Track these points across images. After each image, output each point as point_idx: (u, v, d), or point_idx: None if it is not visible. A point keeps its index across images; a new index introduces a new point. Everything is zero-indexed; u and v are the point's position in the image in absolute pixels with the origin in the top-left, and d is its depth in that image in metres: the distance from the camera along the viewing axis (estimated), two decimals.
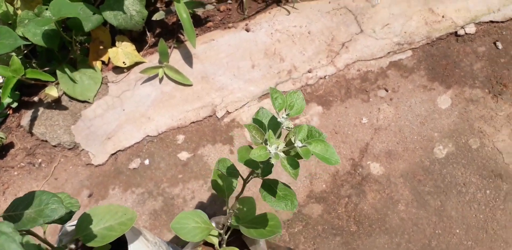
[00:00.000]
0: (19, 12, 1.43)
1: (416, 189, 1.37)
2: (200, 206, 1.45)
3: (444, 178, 1.37)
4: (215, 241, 1.19)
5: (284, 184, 0.84)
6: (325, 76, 1.54)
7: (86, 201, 1.50)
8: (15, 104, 1.56)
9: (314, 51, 1.57)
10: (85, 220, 0.91)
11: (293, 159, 0.69)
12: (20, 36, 1.36)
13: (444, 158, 1.39)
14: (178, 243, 1.35)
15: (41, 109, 1.58)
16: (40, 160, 1.56)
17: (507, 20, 1.50)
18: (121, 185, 1.51)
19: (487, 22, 1.51)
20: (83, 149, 1.54)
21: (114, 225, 0.92)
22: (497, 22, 1.50)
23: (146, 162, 1.53)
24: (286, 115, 0.71)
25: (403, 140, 1.43)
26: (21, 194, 1.53)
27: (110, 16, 1.43)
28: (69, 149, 1.56)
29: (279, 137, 0.78)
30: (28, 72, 1.39)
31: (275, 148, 0.68)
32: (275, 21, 1.60)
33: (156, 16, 1.55)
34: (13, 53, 1.39)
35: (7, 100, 1.55)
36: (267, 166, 0.78)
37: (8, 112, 1.60)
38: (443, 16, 1.53)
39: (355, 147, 1.44)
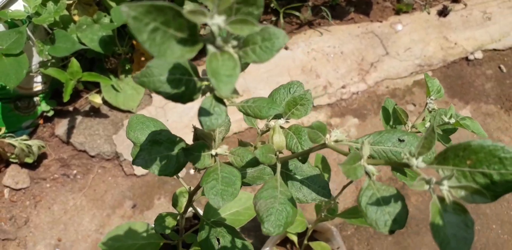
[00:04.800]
0: (75, 18, 1.51)
1: None
2: None
3: None
4: (295, 238, 1.29)
5: None
6: (357, 92, 1.76)
7: (130, 212, 1.52)
8: (51, 113, 1.58)
9: (346, 69, 1.79)
10: (212, 206, 0.99)
11: (445, 134, 0.87)
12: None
13: None
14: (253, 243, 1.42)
15: (78, 118, 1.61)
16: (75, 172, 1.57)
17: (507, 49, 1.85)
18: (166, 195, 1.55)
19: (491, 50, 1.85)
20: (125, 159, 1.58)
21: (240, 210, 1.00)
22: (499, 50, 1.85)
23: (191, 171, 1.60)
24: (431, 99, 0.89)
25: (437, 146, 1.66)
26: (55, 208, 1.51)
27: None
28: (107, 160, 1.58)
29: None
30: (85, 76, 1.44)
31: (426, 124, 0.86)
32: (311, 41, 1.82)
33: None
34: (72, 57, 1.45)
35: (43, 108, 1.56)
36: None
37: (39, 121, 1.60)
38: (455, 43, 1.85)
39: None
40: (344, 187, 1.04)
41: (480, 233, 1.51)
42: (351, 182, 1.04)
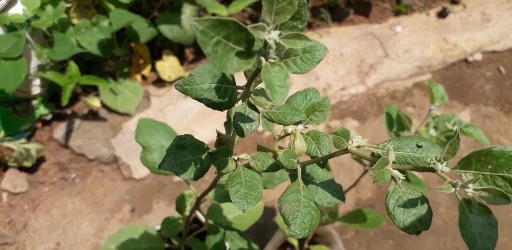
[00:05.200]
0: (74, 21, 1.51)
1: (452, 193, 1.59)
2: None
3: None
4: (295, 242, 1.30)
5: None
6: (357, 94, 1.78)
7: (129, 215, 1.52)
8: (49, 116, 1.58)
9: (346, 71, 1.81)
10: (215, 209, 0.99)
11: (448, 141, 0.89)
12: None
13: None
14: None
15: (77, 121, 1.61)
16: (74, 175, 1.57)
17: (506, 50, 1.87)
18: (165, 199, 1.55)
19: (490, 52, 1.87)
20: (123, 163, 1.58)
21: (243, 214, 1.01)
22: (498, 51, 1.87)
23: None
24: (435, 106, 0.90)
25: None
26: (54, 212, 1.51)
27: (166, 29, 1.56)
28: (106, 163, 1.59)
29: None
30: (84, 79, 1.45)
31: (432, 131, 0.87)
32: None
33: None
34: (71, 60, 1.45)
35: (42, 111, 1.57)
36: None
37: (38, 125, 1.61)
38: (454, 45, 1.87)
39: None
40: (346, 191, 1.05)
41: None
42: (353, 185, 1.06)
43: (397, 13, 1.88)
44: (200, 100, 0.40)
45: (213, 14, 1.50)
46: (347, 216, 1.17)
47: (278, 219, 1.20)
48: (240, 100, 0.41)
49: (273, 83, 0.33)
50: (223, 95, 0.39)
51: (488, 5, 1.94)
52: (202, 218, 1.18)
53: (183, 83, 0.39)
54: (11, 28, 1.33)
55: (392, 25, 1.88)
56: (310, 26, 1.87)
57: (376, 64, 1.82)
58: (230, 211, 0.97)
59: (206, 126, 1.66)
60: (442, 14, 1.88)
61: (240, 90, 0.41)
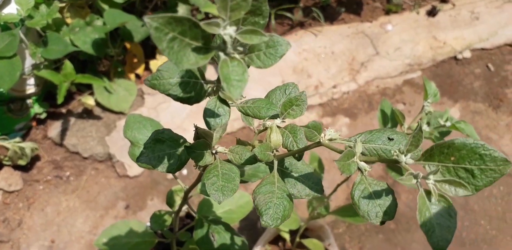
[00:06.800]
0: (68, 20, 1.53)
1: None
2: None
3: None
4: (287, 236, 1.33)
5: None
6: (348, 92, 1.81)
7: (123, 212, 1.55)
8: (44, 115, 1.60)
9: (337, 69, 1.84)
10: (206, 204, 1.02)
11: (441, 137, 0.92)
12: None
13: None
14: None
15: (71, 120, 1.64)
16: (68, 173, 1.59)
17: (494, 48, 1.91)
18: (159, 196, 1.58)
19: (479, 49, 1.90)
20: (118, 160, 1.60)
21: (233, 208, 1.03)
22: (487, 49, 1.90)
23: (184, 172, 1.63)
24: (428, 102, 0.93)
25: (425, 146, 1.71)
26: (48, 209, 1.53)
27: None
28: (100, 161, 1.61)
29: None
30: (78, 77, 1.47)
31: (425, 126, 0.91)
32: (302, 42, 1.86)
33: None
34: (66, 59, 1.47)
35: (36, 110, 1.59)
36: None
37: (32, 124, 1.63)
38: (444, 43, 1.90)
39: None
40: (338, 186, 1.08)
41: (468, 229, 1.56)
42: (344, 180, 1.08)
43: (387, 12, 1.91)
44: (168, 95, 0.41)
45: (206, 13, 1.52)
46: (340, 210, 1.20)
47: None
48: (212, 95, 0.43)
49: (231, 78, 0.34)
50: (191, 90, 0.41)
51: (477, 3, 1.98)
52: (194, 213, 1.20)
53: (151, 78, 0.41)
54: (5, 27, 1.35)
55: (382, 23, 1.92)
56: (302, 25, 1.90)
57: (367, 62, 1.85)
58: (219, 206, 0.99)
59: (199, 124, 1.69)
60: (432, 13, 1.91)
61: (211, 85, 0.43)
